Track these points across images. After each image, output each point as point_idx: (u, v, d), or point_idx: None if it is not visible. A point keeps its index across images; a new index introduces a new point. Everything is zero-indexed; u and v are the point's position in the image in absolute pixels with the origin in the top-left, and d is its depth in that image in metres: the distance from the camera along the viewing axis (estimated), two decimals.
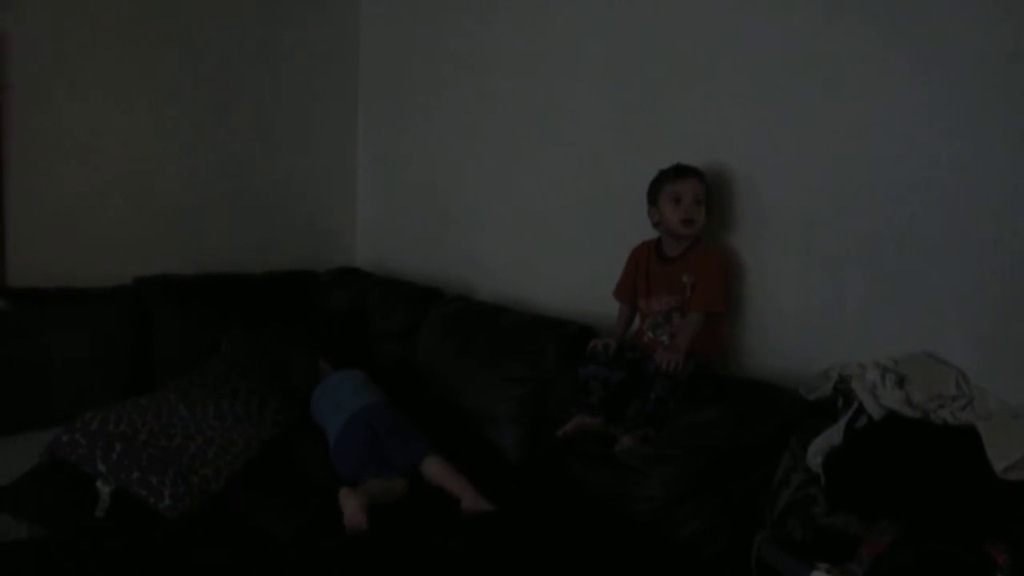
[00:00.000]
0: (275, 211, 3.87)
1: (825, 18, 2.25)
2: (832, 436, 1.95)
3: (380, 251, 4.03)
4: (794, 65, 2.32)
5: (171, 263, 3.44)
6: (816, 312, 2.31)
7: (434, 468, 2.41)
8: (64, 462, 2.41)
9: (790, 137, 2.34)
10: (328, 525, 2.19)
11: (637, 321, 2.59)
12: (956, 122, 2.00)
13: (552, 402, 2.64)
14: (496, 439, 2.70)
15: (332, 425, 2.61)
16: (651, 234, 2.56)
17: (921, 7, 2.05)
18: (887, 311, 2.16)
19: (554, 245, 3.11)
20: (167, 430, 2.49)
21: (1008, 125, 1.92)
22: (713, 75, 2.52)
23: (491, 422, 2.73)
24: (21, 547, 2.10)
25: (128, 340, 3.13)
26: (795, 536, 1.91)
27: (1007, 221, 1.93)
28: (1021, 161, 1.90)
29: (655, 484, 2.20)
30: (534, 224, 3.19)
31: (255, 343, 3.08)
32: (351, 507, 2.20)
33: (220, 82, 3.66)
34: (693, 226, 2.42)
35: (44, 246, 3.27)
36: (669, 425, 2.29)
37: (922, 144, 2.07)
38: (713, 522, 2.13)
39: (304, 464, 2.57)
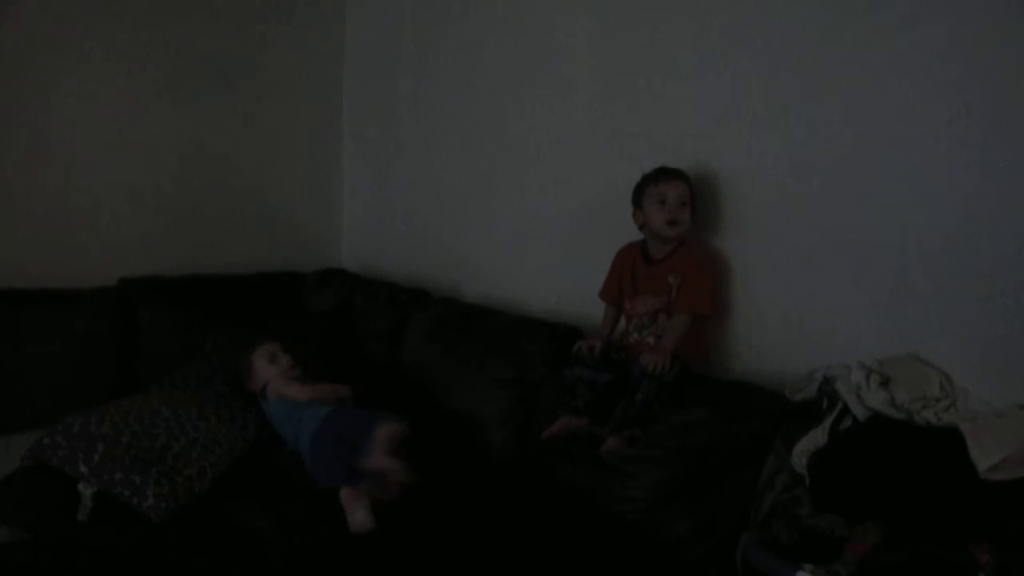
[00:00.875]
0: (260, 212, 3.85)
1: (814, 18, 2.26)
2: (817, 437, 1.96)
3: (366, 252, 4.02)
4: (783, 66, 2.33)
5: (156, 264, 3.42)
6: (801, 314, 2.32)
7: (380, 436, 2.37)
8: (46, 466, 2.39)
9: (777, 140, 2.35)
10: (314, 524, 2.19)
11: (623, 322, 2.59)
12: (945, 126, 2.00)
13: (539, 404, 2.64)
14: (482, 440, 2.70)
15: (299, 442, 2.55)
16: (637, 236, 2.57)
17: (922, 9, 2.06)
18: (872, 313, 2.17)
19: (541, 247, 3.11)
20: (150, 431, 2.47)
21: (996, 127, 1.92)
22: (702, 77, 2.52)
23: (478, 423, 2.72)
24: (4, 551, 2.08)
25: (113, 342, 3.11)
26: (780, 537, 1.91)
27: (991, 223, 1.94)
28: (1005, 162, 1.91)
29: (640, 485, 2.20)
30: (521, 226, 3.19)
31: (240, 344, 3.06)
32: (360, 513, 2.19)
33: (206, 83, 3.64)
34: (678, 227, 2.43)
35: (27, 247, 3.25)
36: (655, 426, 2.29)
37: (908, 147, 2.08)
38: (699, 523, 2.13)
39: (288, 463, 2.57)
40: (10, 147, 3.20)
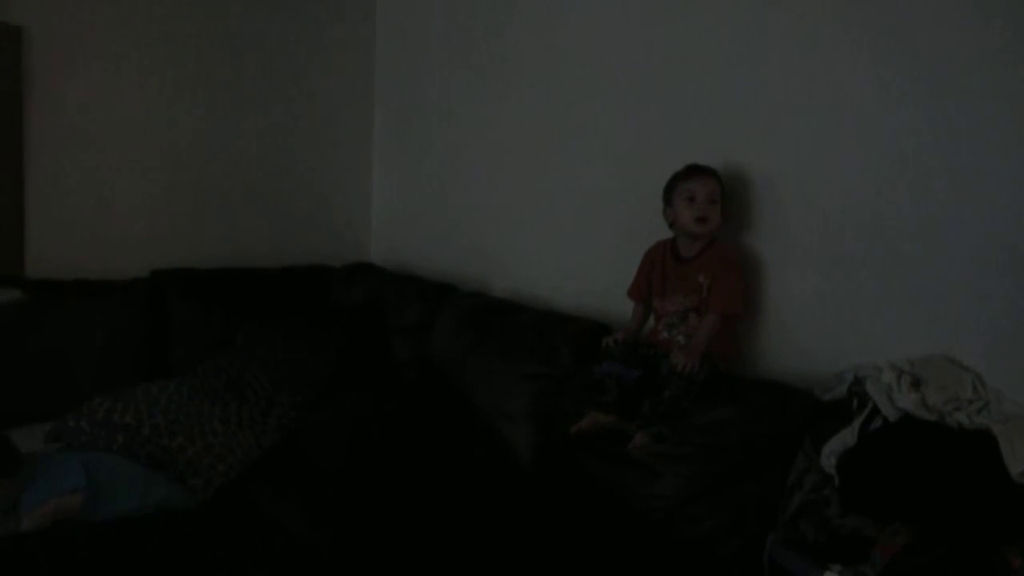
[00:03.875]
0: (291, 206, 3.89)
1: (840, 21, 2.24)
2: (846, 438, 1.94)
3: (395, 246, 4.04)
4: (812, 66, 2.31)
5: (188, 257, 3.46)
6: (832, 313, 2.31)
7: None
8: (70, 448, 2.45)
9: (808, 137, 2.33)
10: (344, 518, 2.20)
11: (652, 321, 2.58)
12: (970, 123, 1.99)
13: (566, 399, 2.64)
14: (509, 435, 2.70)
15: None
16: (668, 233, 2.56)
17: (931, 14, 2.05)
18: (903, 313, 2.15)
19: (570, 242, 3.11)
20: (171, 427, 2.52)
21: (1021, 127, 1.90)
22: (733, 75, 2.51)
23: (505, 418, 2.73)
24: (26, 540, 2.11)
25: (144, 333, 3.16)
26: (808, 537, 1.90)
27: (1022, 223, 1.92)
28: None
29: (668, 483, 2.19)
30: (550, 221, 3.18)
31: (270, 337, 3.09)
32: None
33: (238, 78, 3.68)
34: (707, 225, 2.41)
35: (62, 238, 3.30)
36: (683, 424, 2.29)
37: (939, 145, 2.06)
38: (725, 522, 2.12)
39: (319, 455, 2.58)
40: (46, 140, 3.25)
